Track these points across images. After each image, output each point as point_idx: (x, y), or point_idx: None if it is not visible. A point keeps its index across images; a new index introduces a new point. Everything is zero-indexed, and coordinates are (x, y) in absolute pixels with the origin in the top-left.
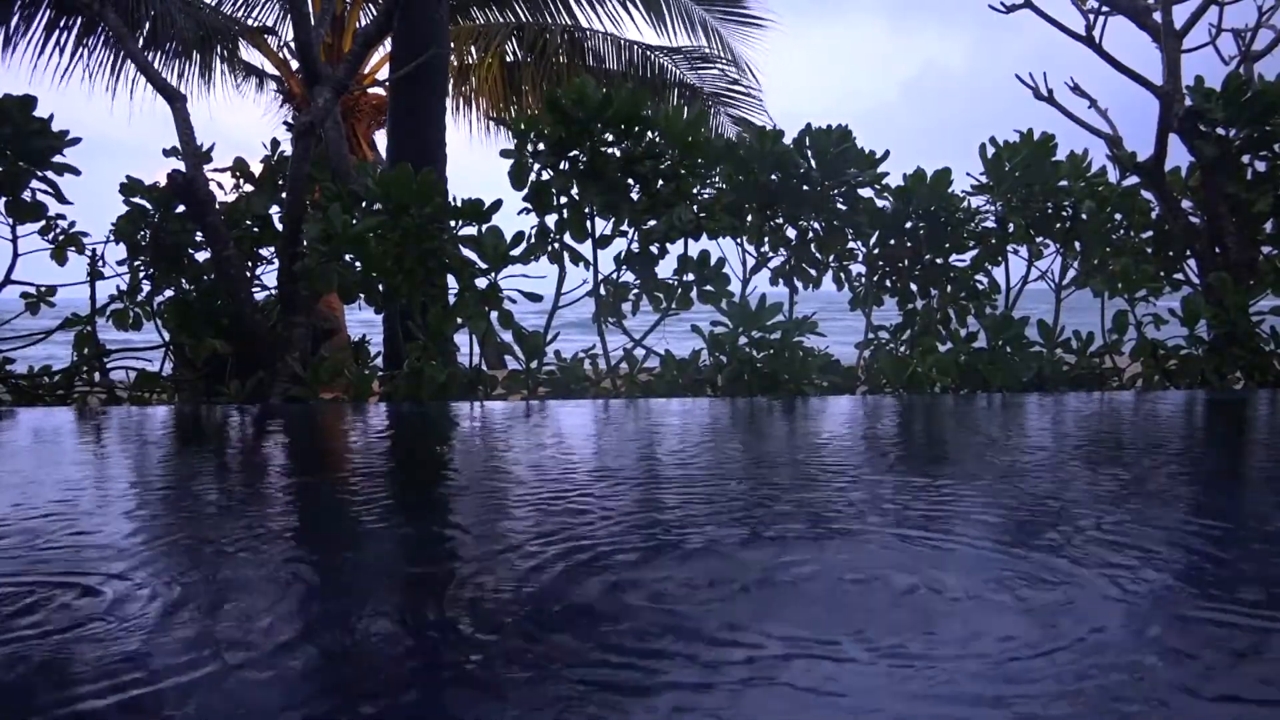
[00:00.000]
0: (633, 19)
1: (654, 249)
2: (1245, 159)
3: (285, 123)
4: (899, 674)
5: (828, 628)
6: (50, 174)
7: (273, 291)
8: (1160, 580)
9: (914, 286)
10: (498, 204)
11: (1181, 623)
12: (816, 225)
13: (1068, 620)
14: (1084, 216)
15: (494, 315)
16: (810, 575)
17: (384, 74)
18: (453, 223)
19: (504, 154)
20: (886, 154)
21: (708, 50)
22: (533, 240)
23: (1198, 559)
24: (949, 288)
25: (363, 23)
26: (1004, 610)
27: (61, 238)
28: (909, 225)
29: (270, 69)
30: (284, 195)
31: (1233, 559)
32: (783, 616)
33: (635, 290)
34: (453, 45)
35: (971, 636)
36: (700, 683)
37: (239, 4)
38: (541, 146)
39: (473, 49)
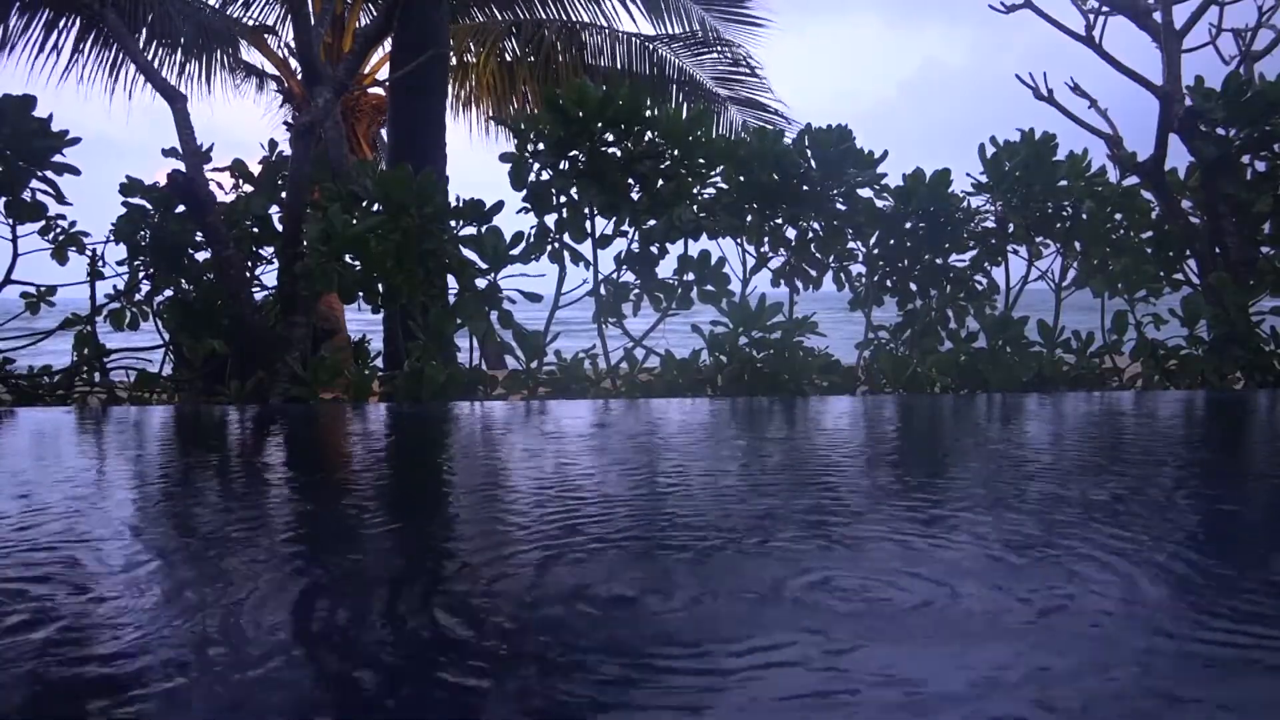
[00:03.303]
0: (631, 17)
1: (654, 249)
2: (1245, 159)
3: (285, 123)
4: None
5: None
6: (50, 174)
7: (273, 291)
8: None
9: (914, 286)
10: (498, 205)
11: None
12: (816, 225)
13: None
14: (1084, 216)
15: (494, 315)
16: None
17: (384, 74)
18: (453, 223)
19: (504, 157)
20: (886, 154)
21: (706, 37)
22: (532, 240)
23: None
24: (949, 288)
25: (363, 23)
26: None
27: (61, 238)
28: (909, 225)
29: (270, 69)
30: (284, 195)
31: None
32: (777, 623)
33: (635, 290)
34: (452, 44)
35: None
36: (694, 688)
37: (239, 4)
38: (541, 146)
39: (471, 46)
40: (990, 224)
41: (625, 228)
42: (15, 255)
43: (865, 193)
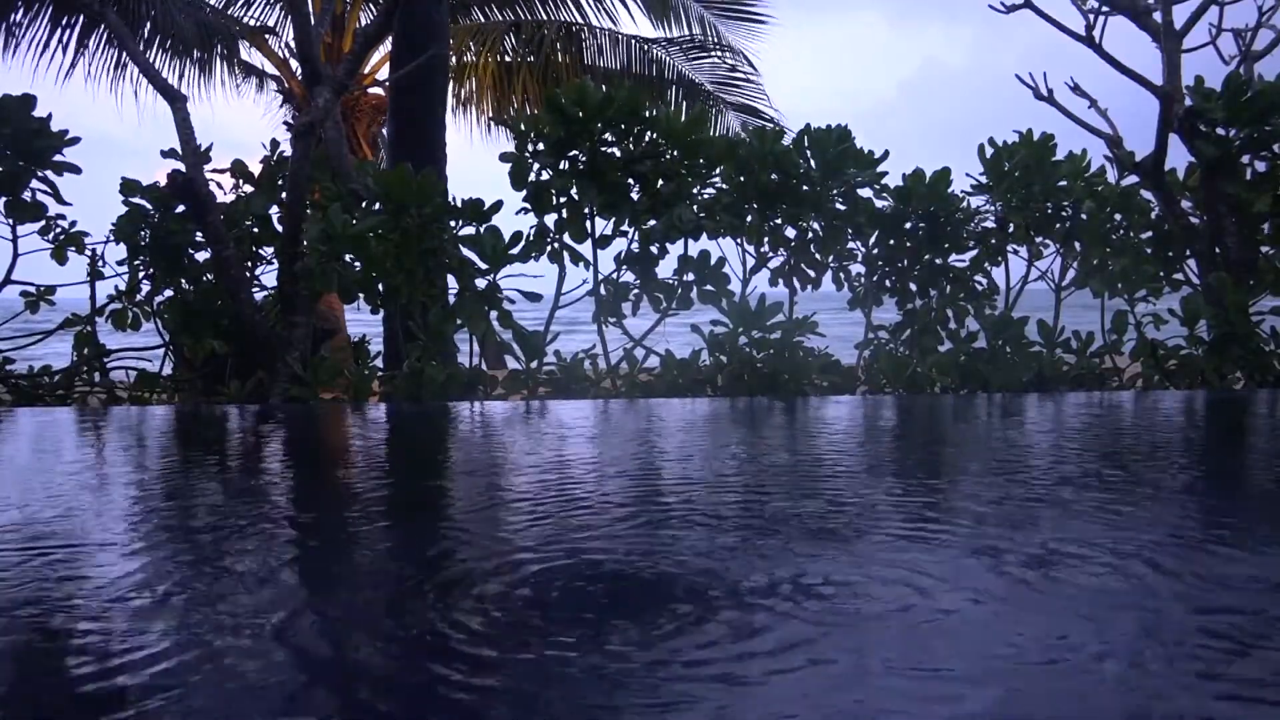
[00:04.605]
0: (631, 15)
1: (654, 249)
2: (1245, 159)
3: (285, 123)
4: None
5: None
6: (50, 173)
7: (273, 291)
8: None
9: (914, 286)
10: (498, 204)
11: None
12: (816, 225)
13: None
14: (1084, 216)
15: (494, 315)
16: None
17: (384, 74)
18: (453, 223)
19: (504, 157)
20: (886, 154)
21: (705, 39)
22: (531, 240)
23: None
24: (949, 288)
25: (363, 23)
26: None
27: (61, 237)
28: (909, 225)
29: (270, 69)
30: (284, 195)
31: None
32: (771, 623)
33: (635, 290)
34: (451, 44)
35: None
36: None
37: (239, 4)
38: (541, 146)
39: (471, 46)
40: (990, 224)
41: (625, 228)
42: (15, 255)
43: (865, 193)
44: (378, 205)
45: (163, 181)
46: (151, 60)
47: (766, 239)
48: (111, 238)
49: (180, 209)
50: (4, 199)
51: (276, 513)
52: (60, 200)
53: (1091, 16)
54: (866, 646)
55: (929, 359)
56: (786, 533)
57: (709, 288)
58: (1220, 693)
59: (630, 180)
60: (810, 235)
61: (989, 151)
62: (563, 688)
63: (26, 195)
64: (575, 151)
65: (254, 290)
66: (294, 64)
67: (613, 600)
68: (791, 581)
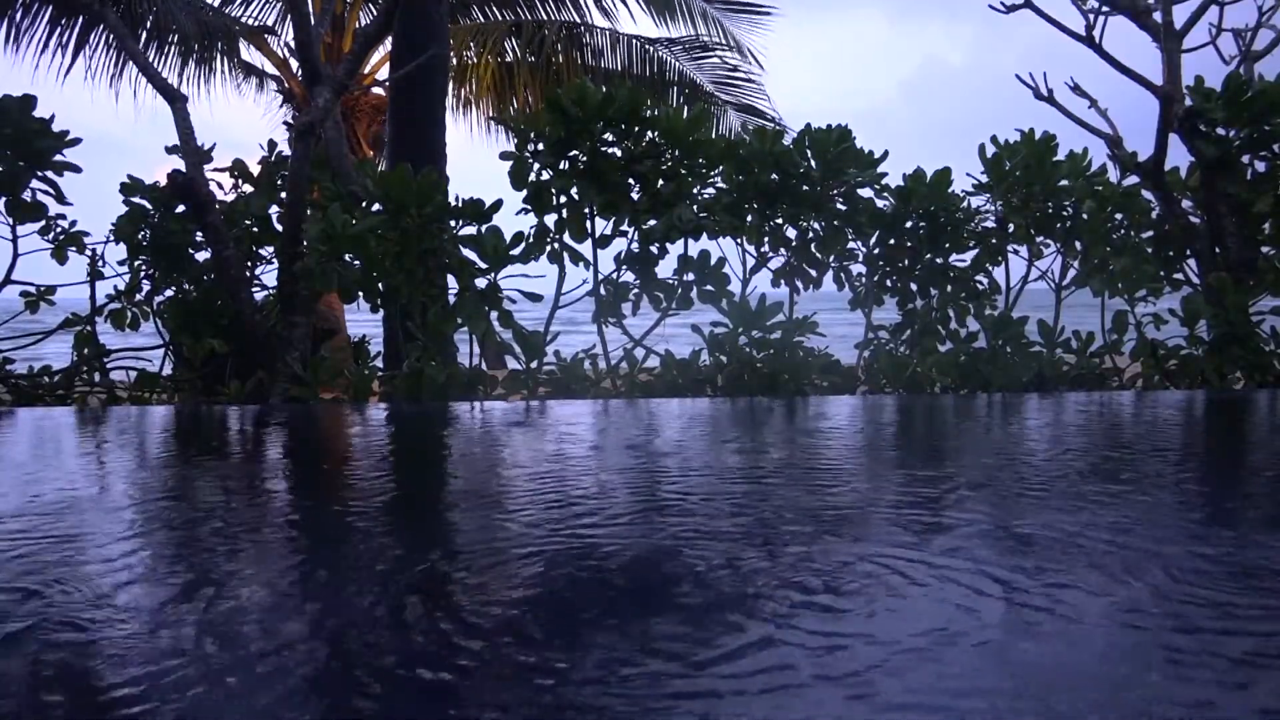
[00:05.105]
0: (631, 15)
1: (654, 249)
2: (1245, 159)
3: (285, 123)
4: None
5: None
6: (50, 173)
7: (273, 291)
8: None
9: (914, 286)
10: (498, 204)
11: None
12: (816, 225)
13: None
14: (1084, 216)
15: (494, 315)
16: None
17: (384, 74)
18: (453, 222)
19: (504, 156)
20: (886, 154)
21: (708, 39)
22: (532, 240)
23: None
24: (949, 288)
25: (363, 23)
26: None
27: (61, 237)
28: (909, 225)
29: (270, 69)
30: (283, 195)
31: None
32: (771, 619)
33: (635, 290)
34: (451, 44)
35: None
36: (687, 684)
37: (239, 4)
38: (541, 146)
39: (471, 46)
40: (990, 224)
41: (625, 228)
42: (15, 255)
43: (865, 193)
44: (378, 206)
45: (163, 181)
46: (151, 60)
47: (767, 239)
48: (111, 238)
49: (180, 209)
50: (4, 199)
51: (275, 513)
52: (62, 200)
53: (1091, 16)
54: (869, 648)
55: (929, 359)
56: (787, 532)
57: (709, 288)
58: (1256, 707)
59: (630, 180)
60: (811, 235)
61: (990, 151)
62: (561, 691)
63: (27, 195)
64: (575, 151)
65: (254, 290)
66: (294, 64)
67: (612, 601)
68: (793, 580)
